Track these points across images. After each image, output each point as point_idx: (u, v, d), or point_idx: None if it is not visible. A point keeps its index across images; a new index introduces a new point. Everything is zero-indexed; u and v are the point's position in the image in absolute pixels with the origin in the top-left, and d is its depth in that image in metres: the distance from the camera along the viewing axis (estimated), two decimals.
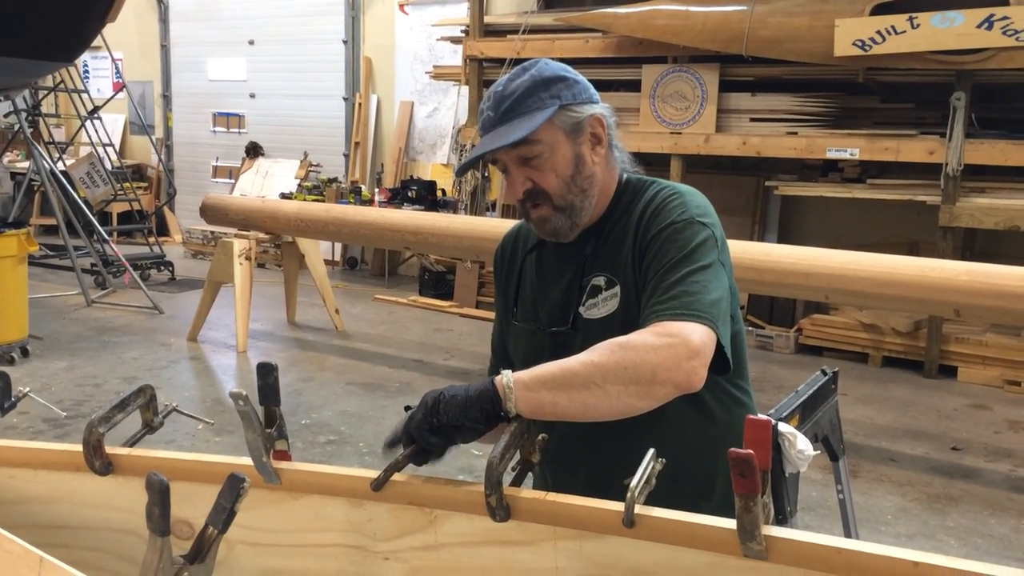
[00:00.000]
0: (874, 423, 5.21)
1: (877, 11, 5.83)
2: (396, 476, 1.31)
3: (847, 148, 6.26)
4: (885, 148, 6.12)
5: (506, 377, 1.31)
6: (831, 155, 6.35)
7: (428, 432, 1.29)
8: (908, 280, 4.28)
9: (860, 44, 5.81)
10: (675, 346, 1.32)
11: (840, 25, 5.84)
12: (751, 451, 1.03)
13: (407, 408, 1.35)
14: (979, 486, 4.34)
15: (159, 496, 0.93)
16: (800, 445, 2.01)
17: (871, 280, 4.38)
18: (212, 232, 10.03)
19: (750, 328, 6.96)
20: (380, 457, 1.34)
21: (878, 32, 5.74)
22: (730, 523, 1.09)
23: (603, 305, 1.55)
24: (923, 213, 6.33)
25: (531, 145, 1.49)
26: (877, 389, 5.89)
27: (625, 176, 1.63)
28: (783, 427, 2.02)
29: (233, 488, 0.98)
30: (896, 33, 5.70)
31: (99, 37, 8.05)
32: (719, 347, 1.39)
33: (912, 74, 6.12)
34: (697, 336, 1.34)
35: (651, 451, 1.19)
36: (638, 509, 1.14)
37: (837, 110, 6.55)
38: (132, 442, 1.50)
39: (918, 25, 5.62)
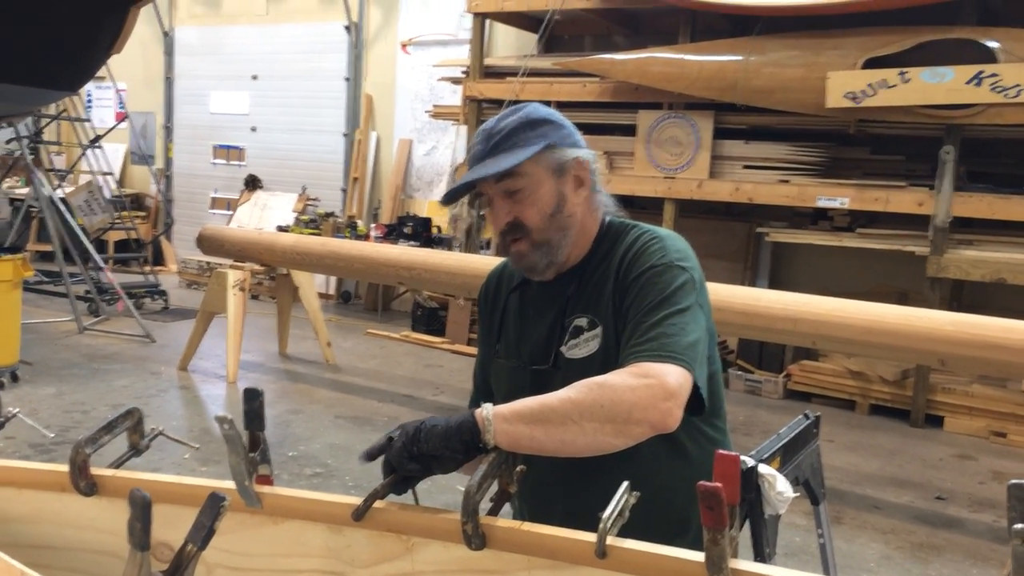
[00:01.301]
0: (859, 470, 5.23)
1: (869, 64, 5.95)
2: (376, 504, 1.34)
3: (837, 197, 6.34)
4: (875, 198, 6.21)
5: (486, 410, 1.35)
6: (821, 203, 6.43)
7: (408, 459, 1.32)
8: (894, 328, 4.32)
9: (852, 96, 5.92)
10: (652, 387, 1.36)
11: (832, 77, 5.96)
12: (719, 484, 1.06)
13: (390, 438, 1.37)
14: (963, 536, 4.35)
15: (141, 511, 0.96)
16: (780, 487, 2.03)
17: (858, 327, 4.42)
18: (207, 263, 10.06)
19: (739, 372, 6.99)
20: (366, 490, 1.36)
21: (869, 85, 5.86)
22: (699, 556, 1.12)
23: (584, 346, 1.59)
24: (912, 263, 6.40)
25: (515, 179, 1.55)
26: (863, 437, 5.91)
27: (607, 219, 1.67)
28: (763, 468, 2.04)
29: (213, 506, 1.00)
30: (887, 86, 5.82)
31: (104, 67, 8.16)
32: (695, 389, 1.43)
33: (902, 127, 6.23)
34: (673, 378, 1.38)
35: (625, 484, 1.22)
36: (610, 540, 1.17)
37: (828, 160, 6.65)
38: (118, 464, 1.52)
39: (909, 79, 5.74)
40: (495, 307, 1.78)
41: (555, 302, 1.64)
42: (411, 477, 1.35)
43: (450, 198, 1.62)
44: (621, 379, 1.38)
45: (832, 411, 6.31)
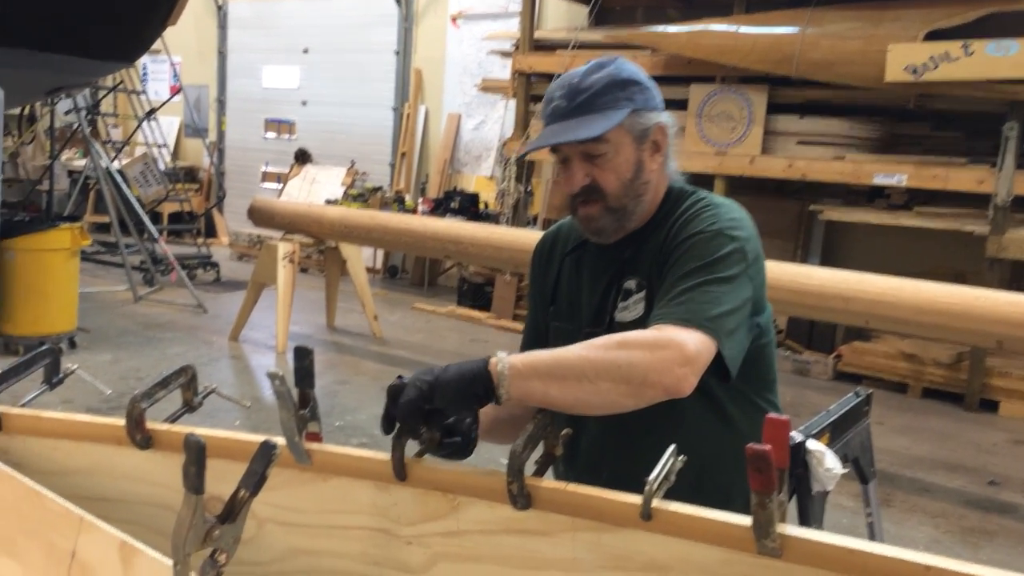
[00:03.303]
0: (910, 453, 5.14)
1: (931, 37, 5.78)
2: (419, 460, 1.35)
3: (895, 174, 6.20)
4: (934, 176, 6.05)
5: (501, 363, 1.32)
6: (878, 181, 6.29)
7: (419, 416, 1.30)
8: (950, 308, 4.22)
9: (912, 70, 5.76)
10: (670, 351, 1.35)
11: (893, 50, 5.80)
12: (768, 446, 1.05)
13: (399, 377, 1.33)
14: (1015, 521, 4.25)
15: (195, 455, 0.98)
16: (828, 463, 2.01)
17: (912, 307, 4.32)
18: (258, 235, 10.20)
19: (787, 353, 6.90)
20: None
21: (931, 58, 5.69)
22: (746, 520, 1.11)
23: (633, 308, 1.58)
24: (970, 244, 6.23)
25: (599, 143, 1.51)
26: (915, 420, 5.80)
27: (671, 185, 1.65)
28: (812, 444, 2.02)
29: (265, 454, 1.02)
30: (950, 60, 5.65)
31: (159, 40, 8.28)
32: (719, 358, 1.41)
33: (964, 102, 6.06)
34: (693, 344, 1.36)
35: (671, 447, 1.21)
36: (656, 503, 1.16)
37: (886, 136, 6.50)
38: (172, 419, 1.56)
39: (972, 52, 5.56)
40: (549, 269, 1.76)
41: (611, 266, 1.63)
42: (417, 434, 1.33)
43: (528, 153, 1.59)
44: (640, 341, 1.37)
45: (883, 394, 6.19)
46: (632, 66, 1.58)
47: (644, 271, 1.58)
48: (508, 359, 1.33)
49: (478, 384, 1.31)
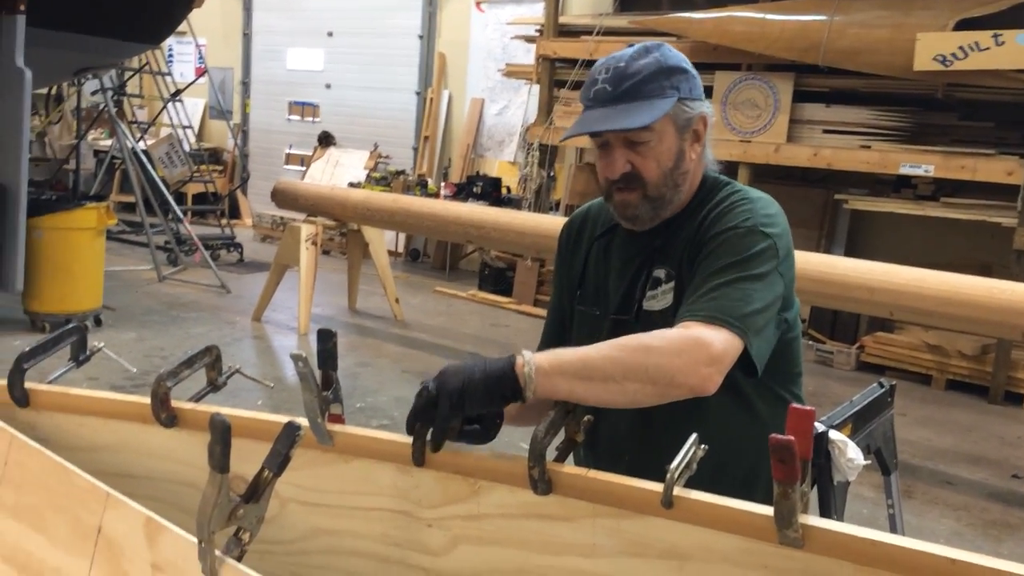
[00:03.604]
0: (933, 445, 5.10)
1: (960, 26, 5.69)
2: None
3: (922, 164, 6.12)
4: (961, 166, 5.97)
5: (528, 364, 1.31)
6: (905, 171, 6.22)
7: (451, 419, 1.32)
8: (976, 300, 4.18)
9: (941, 59, 5.68)
10: (696, 351, 1.35)
11: (921, 39, 5.72)
12: (792, 437, 1.04)
13: (424, 386, 1.32)
14: None
15: (221, 435, 0.99)
16: (851, 453, 2.00)
17: (937, 298, 4.28)
18: (281, 217, 10.26)
19: (810, 343, 6.85)
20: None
21: (960, 48, 5.61)
22: (767, 509, 1.10)
23: (662, 298, 1.57)
24: (997, 236, 6.15)
25: (644, 131, 1.50)
26: (938, 412, 5.76)
27: (706, 175, 1.64)
28: (834, 434, 2.01)
29: (289, 435, 1.03)
30: (979, 49, 5.56)
31: (185, 22, 8.31)
32: (747, 355, 1.41)
33: (993, 92, 5.96)
34: (720, 344, 1.36)
35: (693, 436, 1.21)
36: (677, 491, 1.16)
37: (913, 125, 6.41)
38: (197, 398, 1.57)
39: (1003, 42, 5.48)
40: (577, 252, 1.75)
41: (641, 253, 1.62)
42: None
43: (570, 136, 1.57)
44: (668, 342, 1.36)
45: (906, 385, 6.13)
46: (678, 53, 1.56)
47: (674, 261, 1.57)
48: (534, 360, 1.32)
49: (506, 386, 1.31)
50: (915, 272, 4.45)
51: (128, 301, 7.08)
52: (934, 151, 6.12)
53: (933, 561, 1.01)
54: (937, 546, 1.02)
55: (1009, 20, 5.55)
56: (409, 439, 1.36)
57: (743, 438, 1.57)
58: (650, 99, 1.49)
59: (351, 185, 9.81)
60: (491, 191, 8.87)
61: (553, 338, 1.77)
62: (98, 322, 6.25)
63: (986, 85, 5.85)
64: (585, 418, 1.36)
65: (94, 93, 9.47)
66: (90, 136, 11.01)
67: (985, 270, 6.10)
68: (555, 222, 5.92)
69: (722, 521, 1.15)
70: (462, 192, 9.07)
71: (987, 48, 5.54)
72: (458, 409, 1.30)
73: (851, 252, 7.26)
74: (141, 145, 9.38)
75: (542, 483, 1.25)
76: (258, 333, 6.59)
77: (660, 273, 1.58)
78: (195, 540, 1.07)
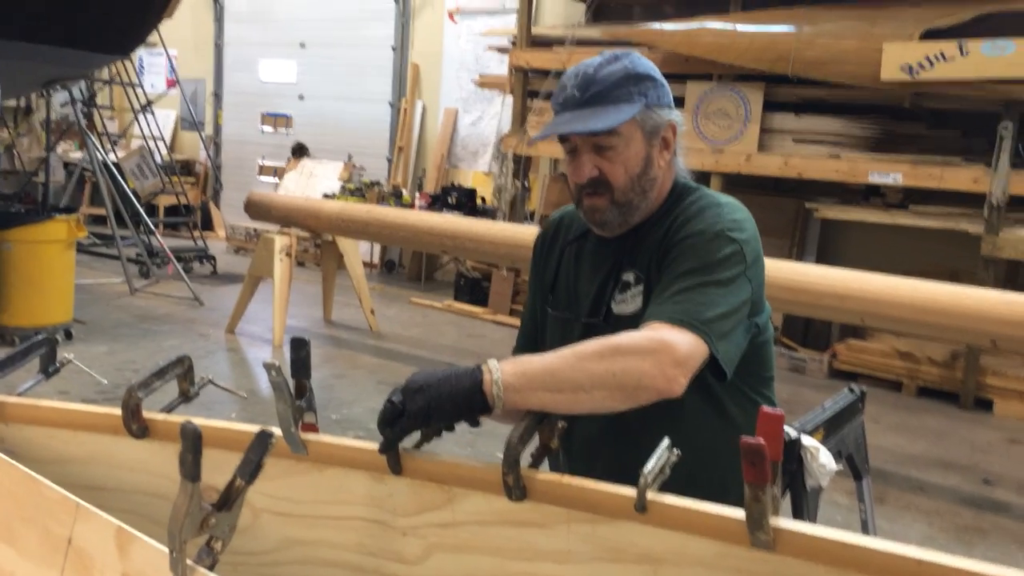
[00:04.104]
0: (904, 451, 5.15)
1: (927, 36, 5.79)
2: (415, 452, 1.36)
3: (890, 173, 6.21)
4: (929, 175, 6.06)
5: (496, 384, 1.31)
6: (874, 179, 6.30)
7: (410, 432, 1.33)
8: (946, 307, 4.23)
9: (908, 69, 5.77)
10: (662, 354, 1.35)
11: (888, 49, 5.81)
12: (762, 440, 1.05)
13: (390, 400, 1.33)
14: (1009, 520, 4.27)
15: (192, 443, 0.98)
16: (822, 459, 2.02)
17: (908, 305, 4.33)
18: (255, 229, 10.20)
19: (783, 351, 6.91)
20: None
21: (927, 58, 5.70)
22: (739, 513, 1.11)
23: (631, 301, 1.59)
24: (965, 243, 6.25)
25: (610, 136, 1.52)
26: (910, 418, 5.82)
27: (676, 180, 1.65)
28: (806, 440, 2.03)
29: (262, 443, 1.02)
30: (945, 59, 5.66)
31: (155, 33, 8.26)
32: (714, 360, 1.42)
33: (959, 101, 6.06)
34: (685, 347, 1.37)
35: (666, 440, 1.21)
36: (650, 496, 1.17)
37: (881, 134, 6.50)
38: (168, 409, 1.56)
39: (968, 52, 5.57)
40: (550, 258, 1.77)
41: (611, 257, 1.63)
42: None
43: (538, 139, 1.59)
44: (633, 345, 1.36)
45: (878, 392, 6.20)
46: (647, 61, 1.58)
47: (643, 264, 1.58)
48: (501, 373, 1.32)
49: (473, 401, 1.31)
50: (885, 279, 4.50)
51: (99, 314, 7.00)
52: (902, 160, 6.21)
53: (901, 562, 1.03)
54: (905, 546, 1.04)
55: (973, 31, 5.65)
56: None
57: (716, 442, 1.57)
58: (616, 104, 1.51)
59: (325, 196, 9.78)
60: (466, 201, 8.89)
61: (528, 342, 1.78)
62: (68, 335, 6.17)
63: (952, 94, 5.94)
64: (559, 424, 1.36)
65: (63, 105, 9.39)
66: (60, 148, 10.89)
67: (954, 277, 6.18)
68: (529, 232, 5.93)
69: (695, 525, 1.15)
70: (437, 203, 9.07)
71: (952, 58, 5.63)
72: (424, 423, 1.31)
73: (822, 260, 7.34)
74: (112, 157, 9.29)
75: (517, 489, 1.26)
76: (232, 346, 6.54)
77: (629, 277, 1.59)
78: (166, 550, 1.07)
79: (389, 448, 1.33)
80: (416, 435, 1.38)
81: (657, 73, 1.57)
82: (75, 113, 8.63)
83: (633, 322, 1.53)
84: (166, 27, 8.20)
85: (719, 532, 1.14)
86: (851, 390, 2.49)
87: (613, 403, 1.36)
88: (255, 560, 1.46)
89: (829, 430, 2.32)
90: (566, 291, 1.70)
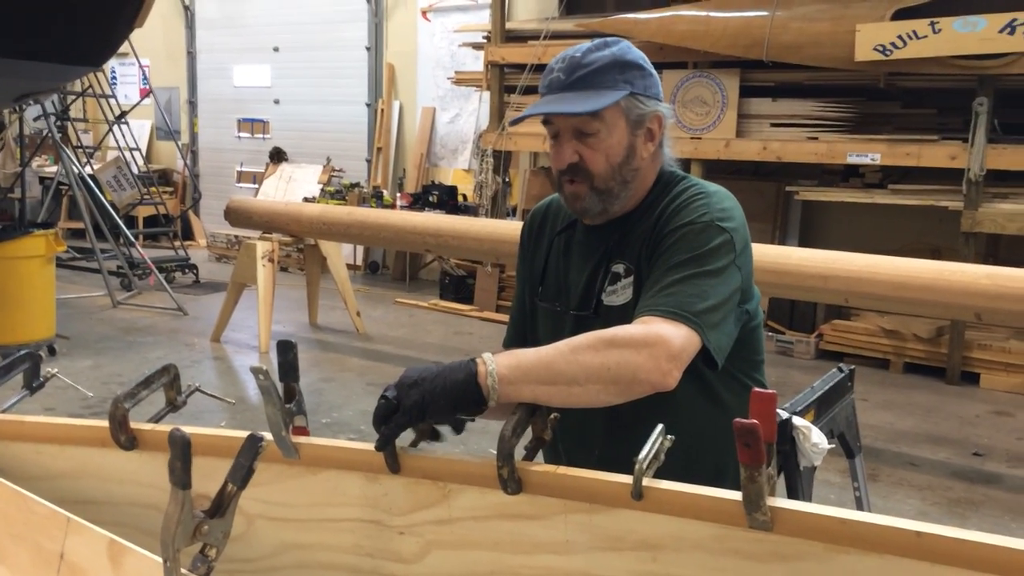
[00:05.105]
0: (895, 428, 5.19)
1: (899, 16, 5.82)
2: (409, 450, 1.36)
3: (868, 153, 6.24)
4: (906, 153, 6.10)
5: (490, 376, 1.30)
6: (852, 160, 6.33)
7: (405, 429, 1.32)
8: (928, 283, 4.26)
9: (881, 49, 5.80)
10: (656, 347, 1.35)
11: (861, 30, 5.83)
12: (756, 421, 1.05)
13: (384, 396, 1.31)
14: (1001, 491, 4.31)
15: (181, 450, 0.97)
16: (815, 438, 2.03)
17: (891, 283, 4.36)
18: (236, 236, 10.14)
19: (770, 334, 6.94)
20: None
21: (899, 37, 5.73)
22: (736, 495, 1.11)
23: (621, 293, 1.58)
24: (945, 219, 6.29)
25: (592, 121, 1.51)
26: (898, 395, 5.86)
27: (663, 170, 1.64)
28: (798, 420, 2.04)
29: (252, 447, 1.01)
30: (918, 38, 5.69)
31: (126, 43, 8.17)
32: (706, 350, 1.42)
33: (934, 79, 6.10)
34: (679, 340, 1.38)
35: (659, 427, 1.21)
36: (646, 482, 1.17)
37: (858, 115, 6.53)
38: (156, 419, 1.54)
39: (940, 30, 5.61)
40: (539, 247, 1.75)
41: (600, 248, 1.62)
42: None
43: (518, 121, 1.58)
44: (628, 339, 1.36)
45: (866, 370, 6.24)
46: (637, 51, 1.57)
47: (632, 256, 1.58)
48: (495, 366, 1.31)
49: (468, 395, 1.30)
50: (868, 259, 4.53)
51: (82, 329, 6.94)
52: (879, 139, 6.24)
53: (900, 535, 1.03)
54: (903, 520, 1.04)
55: (945, 8, 5.68)
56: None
57: (710, 427, 1.58)
58: (600, 89, 1.50)
59: (306, 200, 9.73)
60: (447, 199, 8.86)
61: (518, 333, 1.77)
62: (52, 351, 6.11)
63: (926, 72, 5.97)
64: (552, 415, 1.36)
65: (36, 119, 9.28)
66: (35, 163, 10.77)
67: (935, 253, 6.25)
68: (512, 227, 5.92)
69: (692, 509, 1.15)
70: (418, 202, 9.05)
71: (925, 36, 5.66)
72: (419, 419, 1.30)
73: (805, 243, 7.38)
74: (87, 170, 9.20)
75: (512, 483, 1.25)
76: (218, 354, 6.50)
77: (619, 268, 1.59)
78: (160, 560, 1.05)
79: (385, 445, 1.32)
80: (411, 435, 1.37)
81: (647, 63, 1.57)
82: (49, 127, 8.55)
83: (623, 313, 1.53)
84: (137, 36, 8.11)
85: (716, 515, 1.14)
86: (840, 369, 2.50)
87: (608, 396, 1.35)
88: (251, 567, 1.45)
89: (820, 410, 2.33)
90: (555, 282, 1.69)
